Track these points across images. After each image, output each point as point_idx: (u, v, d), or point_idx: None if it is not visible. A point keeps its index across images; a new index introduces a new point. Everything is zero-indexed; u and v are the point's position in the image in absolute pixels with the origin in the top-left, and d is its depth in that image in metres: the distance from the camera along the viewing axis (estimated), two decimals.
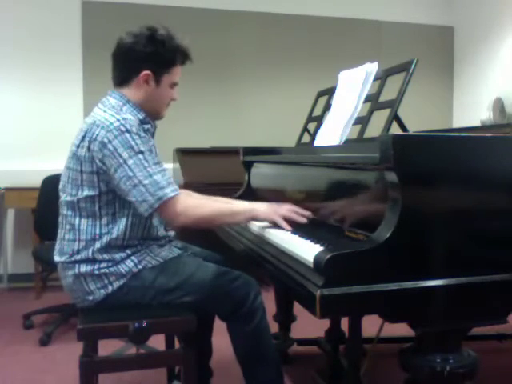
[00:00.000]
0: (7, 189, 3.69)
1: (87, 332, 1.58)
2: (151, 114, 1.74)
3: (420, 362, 1.24)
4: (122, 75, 1.70)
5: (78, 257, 1.63)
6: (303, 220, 1.63)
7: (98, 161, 1.56)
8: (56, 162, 3.65)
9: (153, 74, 1.68)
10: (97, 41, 4.06)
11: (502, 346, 2.62)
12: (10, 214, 4.03)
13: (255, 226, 1.82)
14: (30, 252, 3.15)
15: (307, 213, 1.66)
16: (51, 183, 2.95)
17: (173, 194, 1.55)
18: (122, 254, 1.63)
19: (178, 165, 3.77)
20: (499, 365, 2.42)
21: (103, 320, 1.61)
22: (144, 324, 1.56)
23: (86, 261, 1.62)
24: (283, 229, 1.60)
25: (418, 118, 3.11)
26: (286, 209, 1.66)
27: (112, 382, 2.20)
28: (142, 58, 1.66)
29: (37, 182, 3.09)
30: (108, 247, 1.62)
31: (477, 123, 3.87)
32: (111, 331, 1.61)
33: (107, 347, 1.90)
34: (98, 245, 1.61)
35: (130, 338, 1.60)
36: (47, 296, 3.66)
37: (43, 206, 2.99)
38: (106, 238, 1.61)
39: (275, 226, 1.66)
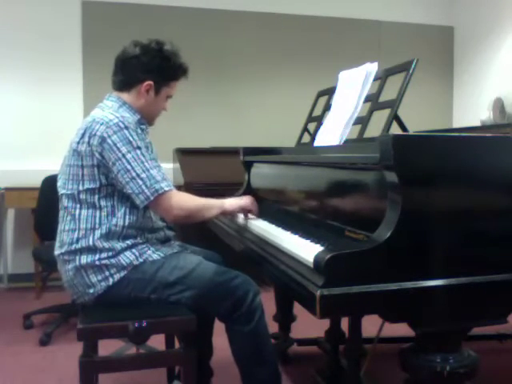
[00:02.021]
0: (7, 189, 3.69)
1: (87, 332, 1.59)
2: (144, 120, 1.83)
3: (420, 362, 1.24)
4: (124, 81, 1.79)
5: (78, 245, 1.66)
6: (256, 211, 1.91)
7: (97, 154, 1.63)
8: (56, 162, 3.62)
9: (154, 84, 1.77)
10: (97, 41, 4.06)
11: (502, 346, 2.62)
12: (10, 214, 4.03)
13: (255, 226, 1.82)
14: (30, 252, 3.15)
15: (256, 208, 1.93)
16: (51, 183, 2.93)
17: (167, 189, 1.64)
18: (122, 244, 1.67)
19: (177, 165, 3.77)
20: (499, 365, 2.42)
21: (103, 320, 1.61)
22: (144, 324, 1.56)
23: (87, 250, 1.65)
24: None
25: (418, 118, 3.11)
26: (245, 201, 1.89)
27: (112, 382, 2.20)
28: (148, 69, 1.76)
29: (37, 181, 3.09)
30: (108, 235, 1.65)
31: (477, 123, 3.87)
32: (111, 331, 1.61)
33: (107, 347, 1.90)
34: (97, 233, 1.65)
35: (130, 338, 1.60)
36: (47, 296, 3.66)
37: (43, 206, 2.99)
38: (105, 227, 1.66)
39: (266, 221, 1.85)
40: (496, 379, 2.22)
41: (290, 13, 4.45)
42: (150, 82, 1.76)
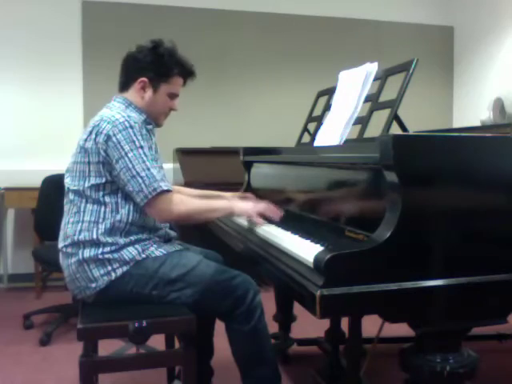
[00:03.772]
0: (7, 189, 3.69)
1: (87, 332, 1.59)
2: (150, 119, 1.84)
3: (420, 361, 1.24)
4: (124, 81, 1.83)
5: (81, 237, 1.67)
6: (277, 217, 1.79)
7: (102, 151, 1.65)
8: (56, 162, 3.66)
9: (149, 81, 1.79)
10: (97, 41, 4.06)
11: (501, 346, 2.62)
12: (10, 214, 4.03)
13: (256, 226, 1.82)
14: (30, 252, 3.15)
15: (280, 212, 1.80)
16: (51, 183, 2.95)
17: (165, 188, 1.65)
18: (126, 240, 1.68)
19: (177, 165, 3.77)
20: (499, 365, 2.42)
21: (103, 320, 1.61)
22: (144, 324, 1.56)
23: (90, 243, 1.66)
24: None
25: (418, 118, 3.11)
26: (261, 206, 1.80)
27: (112, 382, 2.21)
28: (141, 67, 1.79)
29: (37, 181, 3.09)
30: (111, 230, 1.67)
31: (477, 123, 3.87)
32: (111, 331, 1.61)
33: (107, 347, 1.90)
34: (101, 227, 1.67)
35: (130, 338, 1.60)
36: (47, 296, 3.66)
37: (43, 206, 2.99)
38: (109, 222, 1.68)
39: (267, 221, 1.81)
40: (496, 379, 2.22)
41: (290, 13, 4.44)
42: (144, 79, 1.78)
